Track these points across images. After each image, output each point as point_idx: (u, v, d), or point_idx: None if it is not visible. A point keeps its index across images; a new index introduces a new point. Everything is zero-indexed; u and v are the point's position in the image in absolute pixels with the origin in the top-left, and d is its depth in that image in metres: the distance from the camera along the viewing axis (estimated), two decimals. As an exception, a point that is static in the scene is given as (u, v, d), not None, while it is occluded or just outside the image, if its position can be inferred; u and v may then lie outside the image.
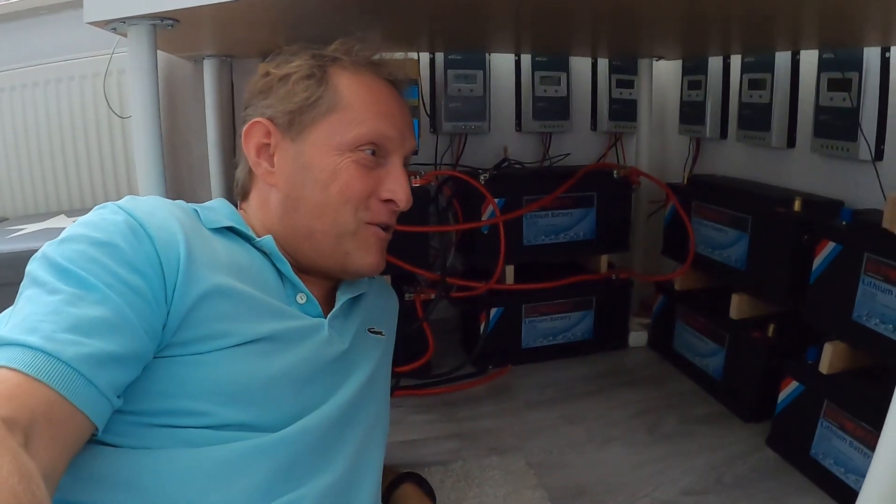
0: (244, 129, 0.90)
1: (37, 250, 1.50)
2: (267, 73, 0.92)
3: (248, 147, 0.90)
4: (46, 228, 1.82)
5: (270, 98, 0.89)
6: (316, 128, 0.88)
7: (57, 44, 2.10)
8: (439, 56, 2.05)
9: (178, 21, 1.06)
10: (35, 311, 0.62)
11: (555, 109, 2.19)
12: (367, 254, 0.91)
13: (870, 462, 0.79)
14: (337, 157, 0.87)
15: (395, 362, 1.11)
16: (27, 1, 2.10)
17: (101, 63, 2.02)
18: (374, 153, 0.89)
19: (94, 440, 0.66)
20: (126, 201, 0.76)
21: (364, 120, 0.88)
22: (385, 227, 0.93)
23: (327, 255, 0.90)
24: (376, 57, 0.94)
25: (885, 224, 1.14)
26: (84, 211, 1.98)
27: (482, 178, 1.70)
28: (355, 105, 0.89)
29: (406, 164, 0.94)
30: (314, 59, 0.91)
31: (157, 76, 1.08)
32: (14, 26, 2.11)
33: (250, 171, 0.92)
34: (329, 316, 0.88)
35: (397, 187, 0.90)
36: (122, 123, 2.10)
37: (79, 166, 2.15)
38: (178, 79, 1.99)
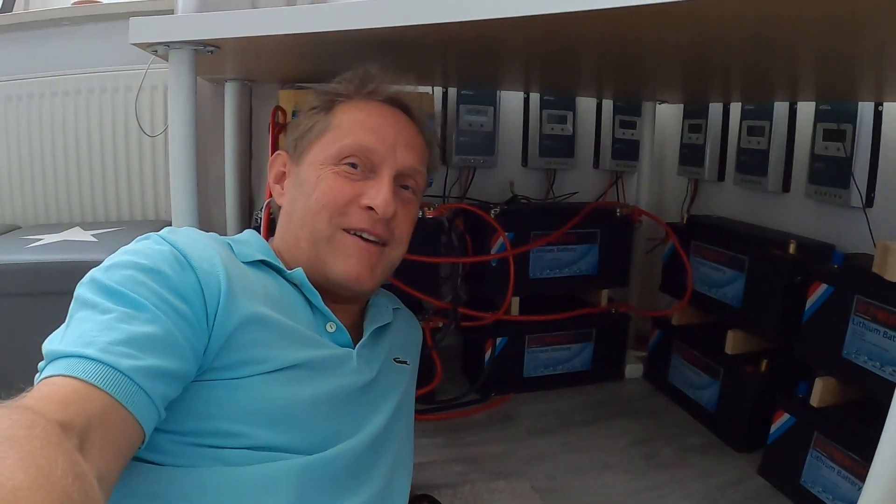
0: (269, 160, 1.01)
1: (57, 263, 1.54)
2: (299, 115, 1.03)
3: (270, 175, 1.00)
4: (64, 240, 1.80)
5: (289, 134, 1.02)
6: (311, 149, 0.95)
7: (91, 54, 2.13)
8: (452, 91, 2.12)
9: (218, 48, 1.12)
10: (89, 328, 0.65)
11: (560, 147, 2.25)
12: (343, 260, 0.91)
13: (857, 490, 0.84)
14: (321, 169, 0.92)
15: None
16: (65, 10, 2.14)
17: (135, 77, 2.04)
18: (357, 166, 0.91)
19: (140, 459, 0.69)
20: (167, 233, 0.80)
21: (348, 135, 0.93)
22: (373, 239, 0.92)
23: (310, 264, 0.91)
24: (373, 85, 0.99)
25: (875, 269, 1.20)
26: (100, 224, 2.03)
27: (493, 212, 1.76)
28: (343, 124, 0.94)
29: (409, 186, 0.97)
30: (323, 95, 0.99)
31: (195, 100, 1.13)
32: (50, 33, 2.14)
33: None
34: (357, 346, 0.92)
35: (377, 194, 0.90)
36: (141, 139, 2.11)
37: (94, 179, 2.16)
38: (199, 99, 2.00)
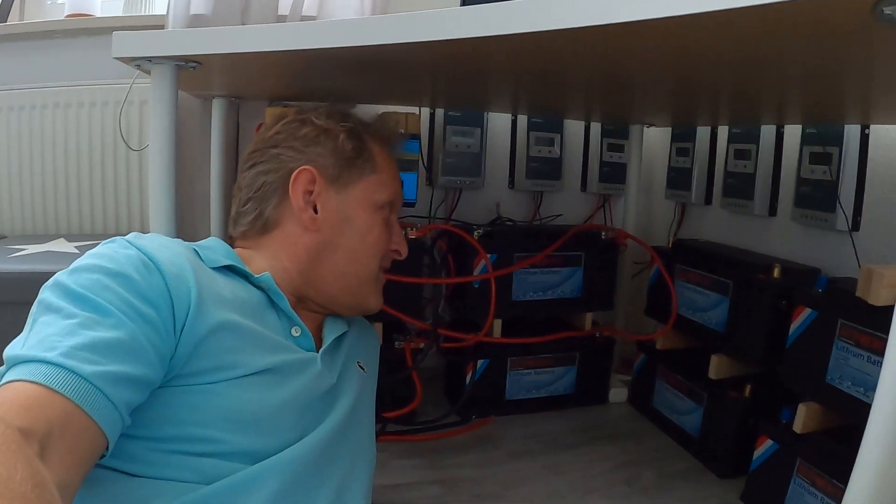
0: (294, 174, 0.97)
1: (40, 273, 1.54)
2: (307, 122, 1.01)
3: (297, 191, 0.97)
4: (48, 251, 1.83)
5: (318, 148, 0.99)
6: (359, 184, 1.00)
7: (83, 67, 2.14)
8: (439, 112, 2.11)
9: (200, 64, 1.12)
10: (52, 332, 0.64)
11: (547, 169, 2.24)
12: (378, 295, 1.06)
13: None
14: (373, 213, 1.01)
15: (383, 408, 1.17)
16: (58, 22, 2.16)
17: (120, 91, 2.05)
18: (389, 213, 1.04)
19: (111, 469, 0.69)
20: (134, 237, 0.80)
21: (391, 184, 1.04)
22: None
23: (350, 294, 1.01)
24: (391, 134, 1.11)
25: (859, 293, 1.19)
26: (84, 237, 2.03)
27: (476, 233, 1.74)
28: (385, 171, 1.04)
29: None
30: (349, 122, 1.03)
31: (176, 115, 1.13)
32: (42, 45, 2.16)
33: (283, 211, 0.98)
34: (321, 351, 0.93)
35: (402, 242, 1.08)
36: (128, 153, 2.13)
37: (81, 191, 2.17)
38: (187, 115, 2.03)
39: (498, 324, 1.82)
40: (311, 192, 0.98)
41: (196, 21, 2.00)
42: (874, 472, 0.76)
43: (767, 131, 1.80)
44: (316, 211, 0.98)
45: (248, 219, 1.00)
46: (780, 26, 0.63)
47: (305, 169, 0.97)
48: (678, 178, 2.18)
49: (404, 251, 1.08)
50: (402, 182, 1.11)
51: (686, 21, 0.63)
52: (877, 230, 1.50)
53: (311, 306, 1.01)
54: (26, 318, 0.69)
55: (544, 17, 0.73)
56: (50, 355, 0.61)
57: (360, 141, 1.02)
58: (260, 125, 1.51)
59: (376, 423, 1.12)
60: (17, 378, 0.59)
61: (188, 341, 0.74)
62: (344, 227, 0.99)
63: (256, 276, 0.91)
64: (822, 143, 1.58)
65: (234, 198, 1.04)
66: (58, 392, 0.59)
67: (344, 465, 0.90)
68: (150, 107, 1.12)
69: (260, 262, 0.96)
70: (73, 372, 0.61)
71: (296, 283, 0.97)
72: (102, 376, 0.63)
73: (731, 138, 1.93)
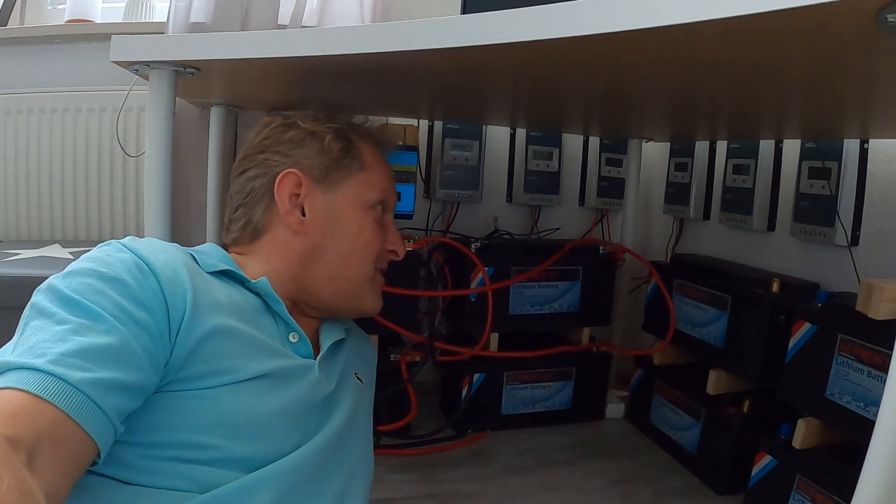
0: (279, 177, 0.96)
1: (33, 277, 1.54)
2: (293, 125, 1.01)
3: (282, 195, 0.96)
4: (42, 256, 1.82)
5: (304, 150, 0.98)
6: (346, 183, 0.98)
7: (81, 72, 2.14)
8: (438, 124, 2.11)
9: (198, 70, 1.11)
10: (43, 338, 0.63)
11: (545, 183, 2.24)
12: (377, 297, 1.03)
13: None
14: (363, 212, 0.99)
15: (378, 421, 1.15)
16: (58, 27, 2.16)
17: (118, 98, 2.05)
18: (382, 212, 1.03)
19: (105, 476, 0.67)
20: (129, 241, 0.79)
21: (380, 182, 1.02)
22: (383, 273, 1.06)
23: (345, 298, 0.99)
24: (381, 133, 1.10)
25: (859, 307, 1.18)
26: (79, 242, 2.02)
27: (474, 246, 1.74)
28: (374, 168, 1.02)
29: None
30: (338, 124, 1.02)
31: (173, 120, 1.12)
32: (41, 50, 2.16)
33: (271, 216, 0.97)
34: (318, 358, 0.92)
35: (398, 242, 1.06)
36: (125, 160, 2.13)
37: (76, 197, 2.16)
38: (185, 122, 2.03)
39: (494, 338, 1.81)
40: (297, 195, 0.97)
41: (196, 29, 2.01)
42: (879, 488, 0.75)
43: (766, 146, 1.79)
44: (304, 214, 0.97)
45: (239, 225, 1.00)
46: (782, 34, 0.62)
47: (290, 172, 0.96)
48: (676, 193, 2.17)
49: (401, 251, 1.06)
50: (394, 182, 1.08)
51: (688, 29, 0.62)
52: (876, 245, 1.49)
53: (307, 311, 1.00)
54: (12, 322, 0.68)
55: (545, 25, 0.73)
56: (39, 362, 0.60)
57: (348, 141, 1.01)
58: (257, 135, 1.51)
59: (371, 435, 1.10)
60: (6, 386, 0.58)
61: (183, 346, 0.73)
62: (333, 228, 0.97)
63: (253, 280, 0.90)
64: (822, 157, 1.58)
65: (226, 205, 1.03)
66: (46, 400, 0.58)
67: (342, 477, 0.88)
68: (148, 112, 1.12)
69: (254, 267, 0.95)
70: (62, 379, 0.59)
71: (290, 288, 0.96)
72: (92, 383, 0.61)
73: (730, 153, 1.93)
